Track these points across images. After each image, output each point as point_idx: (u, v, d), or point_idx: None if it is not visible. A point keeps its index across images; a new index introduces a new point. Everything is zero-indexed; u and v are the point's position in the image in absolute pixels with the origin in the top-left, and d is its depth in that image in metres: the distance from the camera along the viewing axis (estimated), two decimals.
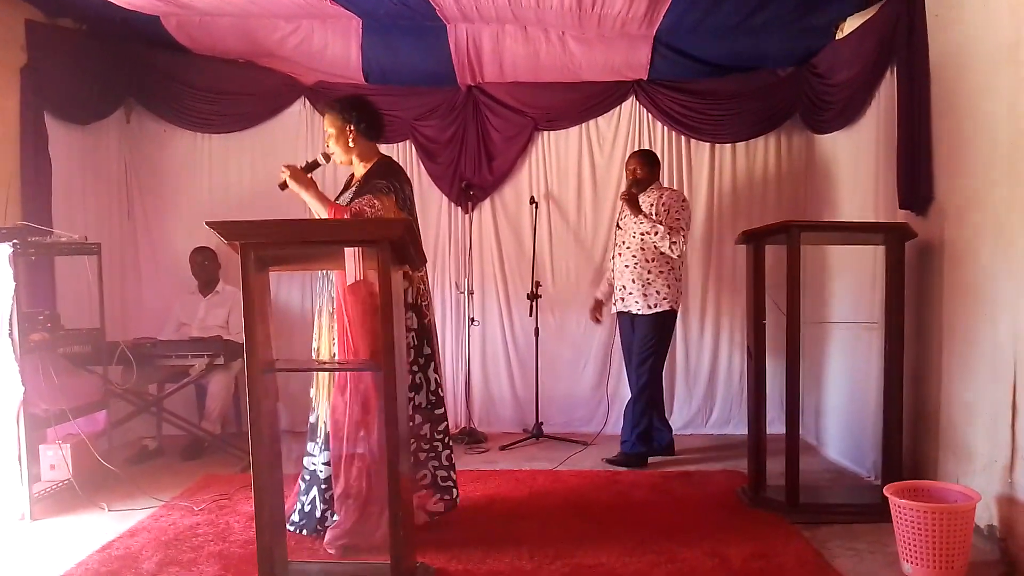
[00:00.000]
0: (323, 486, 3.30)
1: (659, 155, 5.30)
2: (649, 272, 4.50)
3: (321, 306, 3.34)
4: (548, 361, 5.26)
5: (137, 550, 3.24)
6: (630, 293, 4.55)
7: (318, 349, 3.34)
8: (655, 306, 4.50)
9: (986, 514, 3.16)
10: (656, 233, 4.42)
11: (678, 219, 4.49)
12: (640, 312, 4.52)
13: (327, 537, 3.21)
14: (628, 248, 4.56)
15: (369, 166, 3.41)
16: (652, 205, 4.52)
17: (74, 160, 4.94)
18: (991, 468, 3.17)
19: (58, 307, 4.39)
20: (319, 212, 3.18)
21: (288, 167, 3.21)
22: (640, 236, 4.49)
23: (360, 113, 3.38)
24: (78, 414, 4.00)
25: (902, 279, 3.59)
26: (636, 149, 5.03)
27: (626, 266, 4.56)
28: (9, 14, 4.44)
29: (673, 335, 4.77)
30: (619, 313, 4.69)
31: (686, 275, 5.34)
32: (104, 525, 3.56)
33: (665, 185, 4.91)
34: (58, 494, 3.88)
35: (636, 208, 4.48)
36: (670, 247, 4.42)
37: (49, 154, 4.62)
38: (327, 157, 3.39)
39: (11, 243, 3.62)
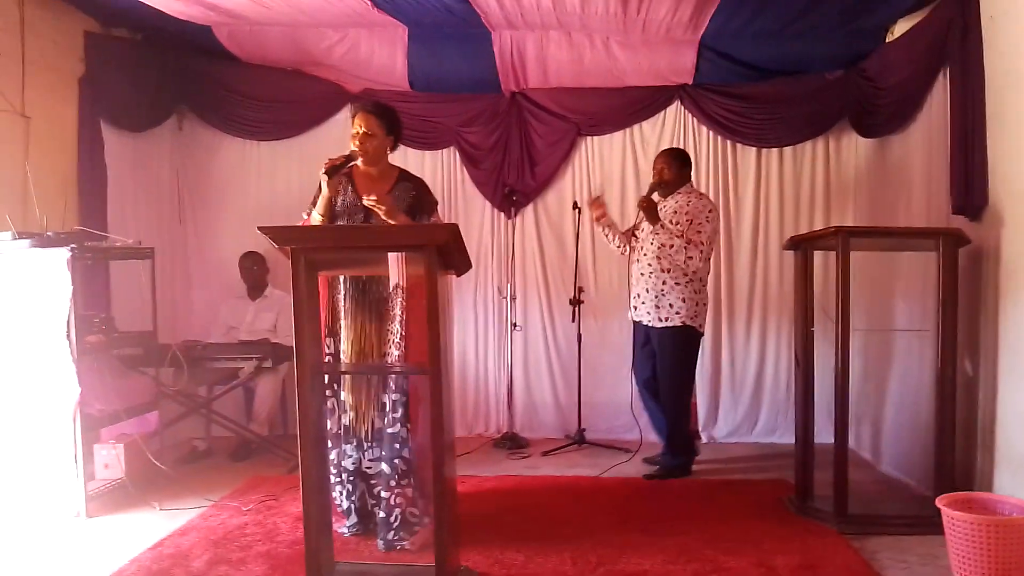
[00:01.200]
0: (372, 482, 3.36)
1: (704, 160, 5.30)
2: (664, 283, 4.31)
3: (347, 308, 3.33)
4: (590, 367, 5.25)
5: (187, 549, 3.31)
6: (643, 303, 4.38)
7: (347, 351, 3.33)
8: (666, 319, 4.31)
9: None
10: (672, 246, 4.24)
11: (699, 232, 4.27)
12: (652, 324, 4.36)
13: (419, 542, 3.26)
14: (645, 255, 4.37)
15: (394, 175, 3.44)
16: (676, 212, 4.33)
17: (128, 167, 5.08)
18: None
19: (112, 310, 4.51)
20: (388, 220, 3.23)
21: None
22: (657, 245, 4.32)
23: (400, 129, 3.50)
24: (131, 415, 4.11)
25: (955, 286, 3.51)
26: (667, 147, 4.86)
27: (641, 274, 4.39)
28: (69, 26, 4.59)
29: (699, 354, 4.58)
30: (634, 322, 4.54)
31: (732, 281, 5.31)
32: (155, 523, 3.64)
33: (697, 189, 4.72)
34: (112, 493, 3.98)
35: (654, 216, 4.27)
36: (685, 261, 4.23)
37: (105, 161, 4.77)
38: (352, 157, 3.34)
39: (69, 248, 3.72)
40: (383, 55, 5.05)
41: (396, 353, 3.30)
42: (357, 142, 3.34)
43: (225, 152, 5.54)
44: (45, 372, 3.71)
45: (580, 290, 5.08)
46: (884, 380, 4.66)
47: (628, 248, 4.59)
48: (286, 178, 5.52)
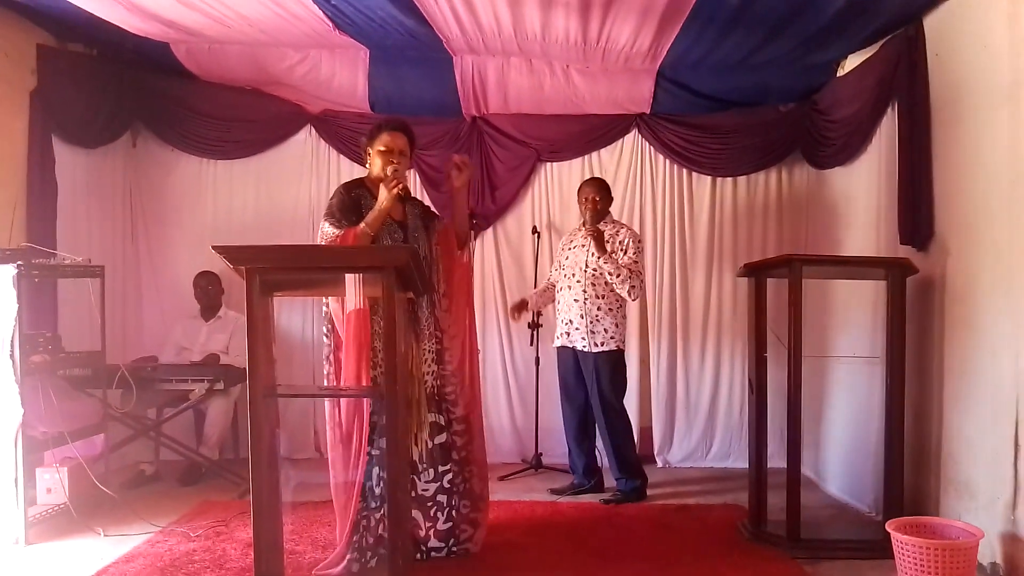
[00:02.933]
0: (428, 504, 3.39)
1: (660, 188, 5.39)
2: (599, 309, 4.38)
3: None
4: (548, 391, 5.23)
5: None
6: (576, 328, 4.42)
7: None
8: (601, 344, 4.38)
9: (989, 551, 3.14)
10: (619, 275, 4.30)
11: (636, 261, 4.38)
12: (585, 349, 4.40)
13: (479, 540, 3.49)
14: (579, 282, 4.41)
15: (404, 196, 3.36)
16: (608, 241, 4.39)
17: (79, 183, 4.96)
18: (994, 505, 3.16)
19: (59, 329, 4.39)
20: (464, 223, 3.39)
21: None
22: (591, 271, 4.38)
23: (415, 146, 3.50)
24: (76, 437, 3.98)
25: (903, 314, 3.60)
26: (589, 177, 4.90)
27: (575, 300, 4.42)
28: (21, 38, 4.50)
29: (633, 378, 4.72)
30: (561, 347, 4.54)
31: (688, 307, 5.38)
32: (100, 550, 3.52)
33: (618, 219, 4.79)
34: (54, 518, 3.86)
35: (603, 247, 4.30)
36: (629, 291, 4.33)
37: (55, 177, 4.65)
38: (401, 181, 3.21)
39: (15, 264, 3.63)
40: (344, 76, 5.04)
41: (432, 370, 3.33)
42: (393, 160, 3.25)
43: (181, 170, 5.46)
44: None
45: (538, 314, 5.08)
46: (835, 406, 4.74)
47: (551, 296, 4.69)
48: (242, 197, 5.47)
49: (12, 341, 3.60)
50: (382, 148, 3.29)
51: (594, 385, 4.43)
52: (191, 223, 5.44)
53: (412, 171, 5.41)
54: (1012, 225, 3.12)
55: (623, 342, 4.49)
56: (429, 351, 3.35)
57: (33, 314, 4.16)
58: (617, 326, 4.43)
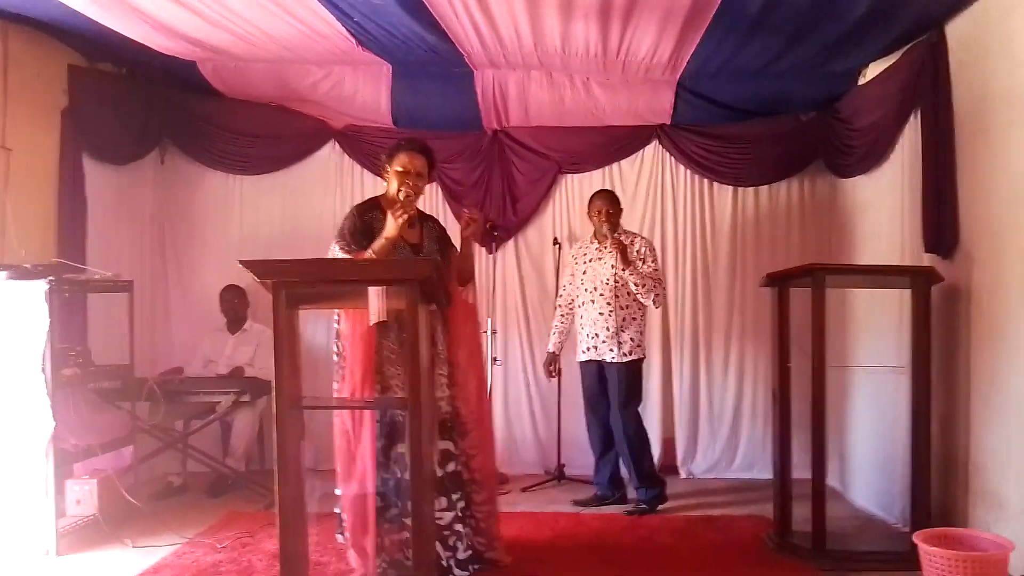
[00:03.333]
0: (443, 533, 3.35)
1: (682, 198, 5.40)
2: (623, 320, 4.41)
3: (398, 353, 3.25)
4: (570, 402, 5.23)
5: None
6: (603, 341, 4.41)
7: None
8: (629, 354, 4.40)
9: (1020, 563, 3.08)
10: (644, 286, 4.32)
11: (656, 269, 4.43)
12: (613, 361, 4.40)
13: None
14: (602, 295, 4.43)
15: (416, 214, 3.42)
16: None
17: (109, 199, 5.06)
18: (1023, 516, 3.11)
19: (89, 343, 4.46)
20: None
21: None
22: (614, 283, 4.40)
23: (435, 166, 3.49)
24: (105, 450, 4.05)
25: (928, 323, 3.57)
26: (600, 188, 4.88)
27: (599, 314, 4.42)
28: (53, 59, 4.60)
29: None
30: (586, 362, 4.54)
31: (711, 317, 5.36)
32: (128, 561, 3.57)
33: (638, 230, 4.83)
34: (83, 529, 3.91)
35: (627, 259, 4.33)
36: (654, 300, 4.37)
37: (86, 194, 4.75)
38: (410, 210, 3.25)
39: (47, 280, 3.70)
40: (367, 92, 5.10)
41: (446, 395, 3.31)
42: (409, 182, 3.25)
43: (207, 186, 5.55)
44: (18, 406, 3.66)
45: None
46: (860, 416, 4.70)
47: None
48: (268, 212, 5.54)
49: (43, 355, 3.67)
50: (399, 169, 3.28)
51: (616, 395, 4.43)
52: (217, 238, 5.52)
53: (435, 184, 5.46)
54: None
55: (644, 351, 4.53)
56: (443, 375, 3.33)
57: (64, 328, 4.22)
58: (641, 334, 4.48)
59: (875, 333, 4.43)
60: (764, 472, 4.85)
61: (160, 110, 5.28)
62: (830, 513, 3.62)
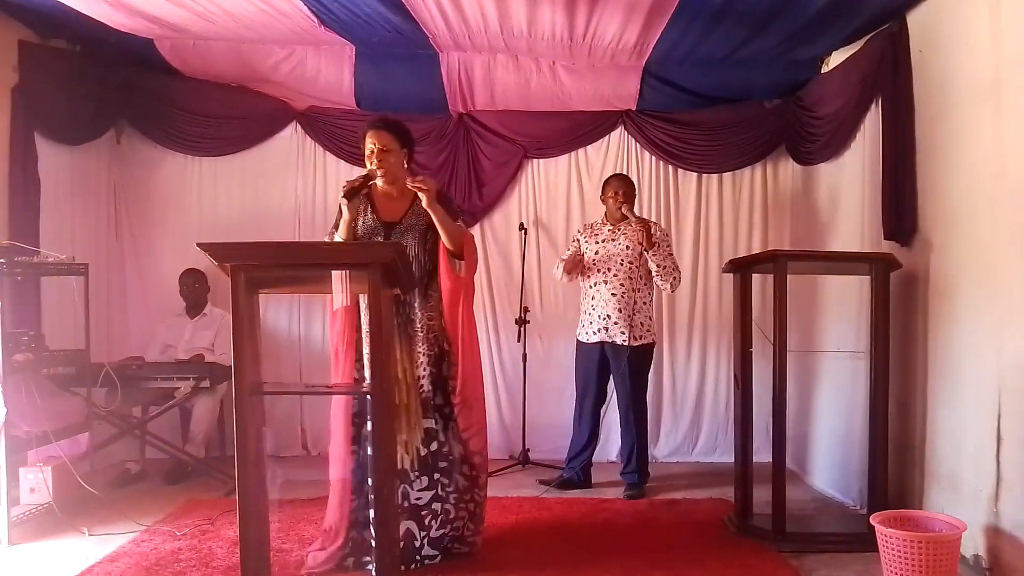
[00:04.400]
0: (423, 514, 3.32)
1: (647, 184, 5.42)
2: (636, 302, 4.41)
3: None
4: (535, 387, 5.25)
5: None
6: (615, 323, 4.39)
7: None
8: (641, 337, 4.42)
9: (972, 544, 3.16)
10: (665, 267, 4.36)
11: (671, 255, 4.48)
12: (626, 343, 4.39)
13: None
14: (616, 276, 4.42)
15: (412, 194, 3.31)
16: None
17: (63, 180, 4.92)
18: (977, 498, 3.19)
19: (43, 327, 4.35)
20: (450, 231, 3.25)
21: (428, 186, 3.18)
22: (631, 264, 4.42)
23: (412, 142, 3.42)
24: (60, 436, 3.95)
25: (887, 309, 3.63)
26: (615, 172, 4.98)
27: (613, 294, 4.41)
28: (2, 34, 4.45)
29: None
30: (592, 345, 4.48)
31: (674, 303, 5.41)
32: (84, 550, 3.50)
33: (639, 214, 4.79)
34: (38, 518, 3.83)
35: (651, 241, 4.31)
36: (671, 284, 4.41)
37: (38, 174, 4.60)
38: (371, 176, 3.25)
39: None
40: (330, 73, 5.02)
41: (428, 373, 3.28)
42: (375, 160, 3.24)
43: (166, 167, 5.42)
44: None
45: (526, 310, 5.09)
46: (819, 400, 4.78)
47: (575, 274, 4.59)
48: (227, 194, 5.44)
49: None
50: (367, 149, 3.29)
51: (627, 380, 4.43)
52: (176, 220, 5.41)
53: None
54: (994, 220, 3.15)
55: (655, 336, 4.58)
56: (424, 354, 3.29)
57: (16, 312, 4.13)
58: (651, 318, 4.54)
59: (839, 319, 4.49)
60: (726, 456, 4.92)
61: (116, 89, 5.13)
62: (790, 496, 3.68)
